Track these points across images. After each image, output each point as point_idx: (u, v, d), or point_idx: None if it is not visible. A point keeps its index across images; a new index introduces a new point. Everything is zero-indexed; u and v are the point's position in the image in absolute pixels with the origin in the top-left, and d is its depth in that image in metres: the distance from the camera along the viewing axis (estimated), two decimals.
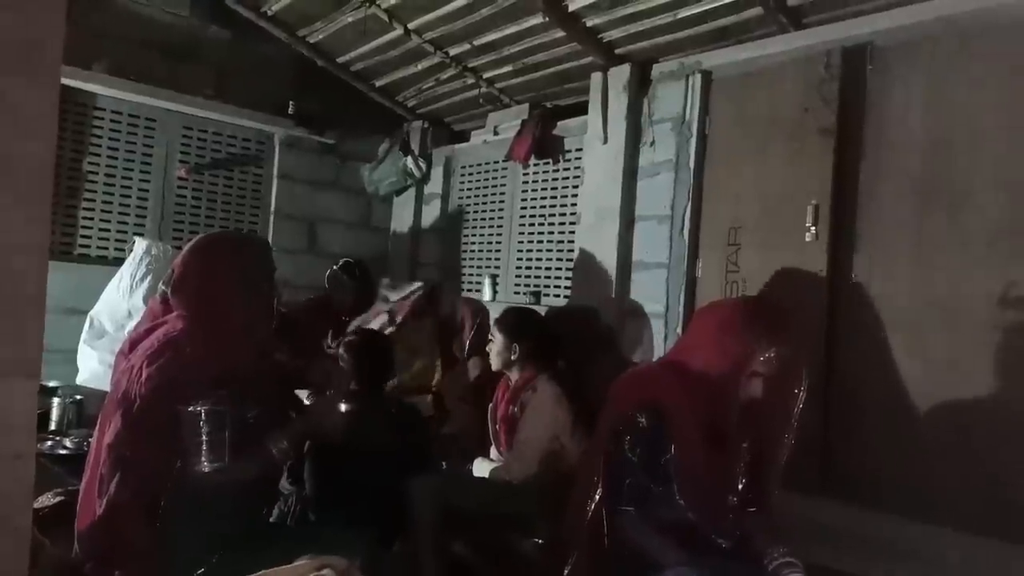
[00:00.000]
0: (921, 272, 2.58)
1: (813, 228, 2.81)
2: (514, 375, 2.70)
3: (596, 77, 3.71)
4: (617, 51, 3.62)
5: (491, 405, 2.80)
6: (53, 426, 3.32)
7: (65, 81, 3.88)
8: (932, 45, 2.64)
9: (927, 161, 2.61)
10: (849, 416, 2.72)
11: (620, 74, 3.61)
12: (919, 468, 2.49)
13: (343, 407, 1.93)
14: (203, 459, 1.71)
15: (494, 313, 3.49)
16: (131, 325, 3.65)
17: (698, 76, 3.34)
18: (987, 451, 2.35)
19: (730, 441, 1.84)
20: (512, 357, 2.66)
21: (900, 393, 2.59)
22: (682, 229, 3.34)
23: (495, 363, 2.74)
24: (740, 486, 1.85)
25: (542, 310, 3.94)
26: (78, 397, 3.44)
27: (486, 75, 4.28)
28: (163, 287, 1.92)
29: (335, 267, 3.76)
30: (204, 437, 1.71)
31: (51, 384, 3.52)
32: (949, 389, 2.48)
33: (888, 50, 2.77)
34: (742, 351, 1.81)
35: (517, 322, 2.73)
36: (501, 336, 2.69)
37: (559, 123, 4.16)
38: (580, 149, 3.98)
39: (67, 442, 3.04)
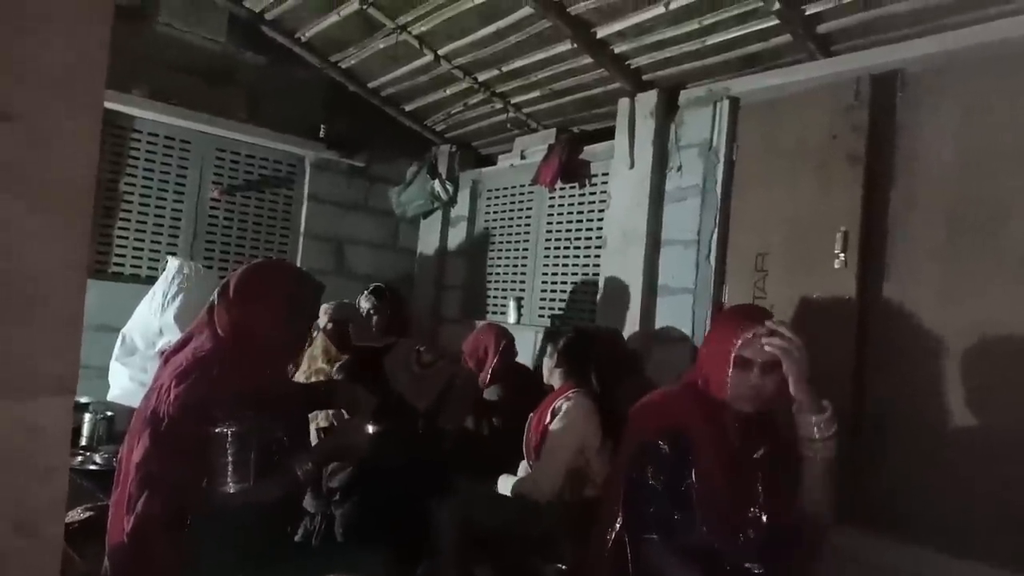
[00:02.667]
0: (953, 299, 2.54)
1: (842, 255, 2.78)
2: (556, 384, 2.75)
3: (623, 103, 3.74)
4: (644, 77, 3.64)
5: (531, 416, 2.80)
6: (84, 441, 3.37)
7: (106, 104, 3.98)
8: (962, 72, 2.62)
9: (958, 188, 2.58)
10: (879, 445, 2.67)
11: (647, 100, 3.63)
12: (950, 498, 2.43)
13: (369, 428, 1.94)
14: (229, 479, 1.73)
15: (518, 335, 3.50)
16: (162, 343, 3.73)
17: (726, 102, 3.34)
18: (1021, 482, 2.29)
19: (749, 456, 1.82)
20: (555, 371, 2.75)
21: (931, 422, 2.54)
22: (708, 254, 3.33)
23: (546, 378, 2.81)
24: (765, 503, 1.81)
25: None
26: (109, 413, 3.49)
27: (514, 100, 4.33)
28: (212, 300, 1.95)
29: (366, 291, 3.73)
30: (230, 458, 1.73)
31: (83, 400, 3.58)
32: (981, 418, 2.43)
33: (918, 77, 2.75)
34: (724, 341, 1.84)
35: (576, 341, 2.79)
36: (550, 354, 2.79)
37: (586, 148, 4.19)
38: (607, 174, 3.99)
39: (97, 458, 3.09)
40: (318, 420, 2.94)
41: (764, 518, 1.79)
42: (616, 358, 3.07)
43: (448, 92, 4.45)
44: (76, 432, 3.37)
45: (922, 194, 2.68)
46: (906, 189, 2.74)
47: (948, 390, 2.51)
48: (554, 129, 4.40)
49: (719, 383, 1.83)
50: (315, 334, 3.38)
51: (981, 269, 2.49)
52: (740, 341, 1.80)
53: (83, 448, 3.29)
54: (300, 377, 3.20)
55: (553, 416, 2.58)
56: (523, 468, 2.77)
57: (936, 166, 2.65)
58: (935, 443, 2.52)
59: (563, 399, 2.61)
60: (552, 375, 2.77)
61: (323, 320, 3.32)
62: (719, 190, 3.31)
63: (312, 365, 3.33)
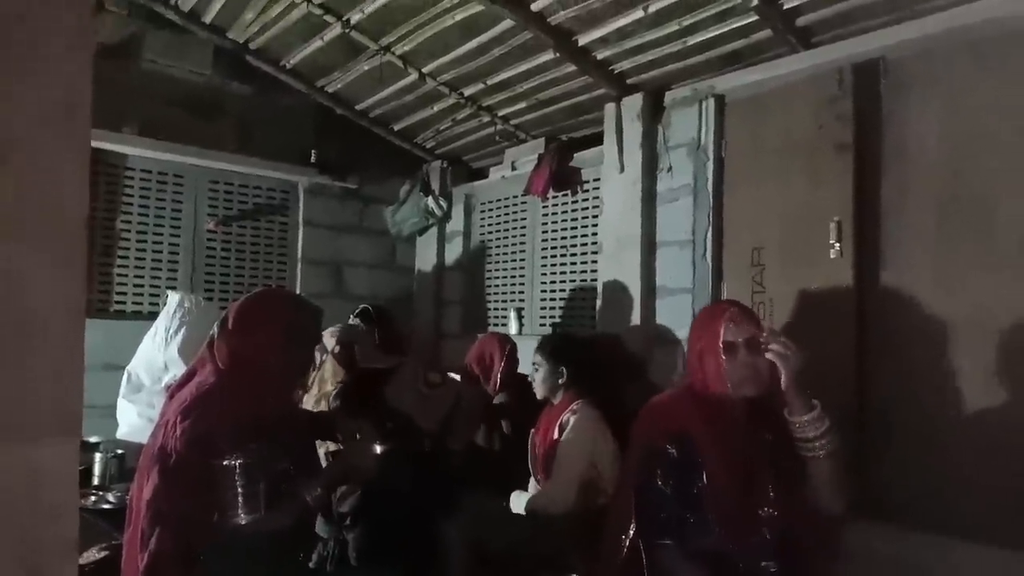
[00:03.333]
0: (949, 284, 2.55)
1: (837, 245, 2.79)
2: (556, 399, 2.72)
3: (610, 108, 3.76)
4: (629, 81, 3.66)
5: (532, 432, 2.79)
6: (96, 481, 3.36)
7: (97, 144, 4.02)
8: (945, 55, 2.64)
9: (948, 172, 2.59)
10: (882, 434, 2.66)
11: (633, 103, 3.65)
12: (953, 485, 2.43)
13: (376, 449, 1.95)
14: (239, 511, 1.73)
15: (520, 344, 3.51)
16: (168, 378, 3.73)
17: (711, 100, 3.36)
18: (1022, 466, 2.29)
19: (756, 449, 1.82)
20: (560, 382, 2.67)
21: (933, 409, 2.54)
22: (704, 253, 3.34)
23: (541, 390, 2.73)
24: (776, 500, 1.81)
25: None
26: (119, 451, 3.49)
27: (501, 112, 4.35)
28: (213, 332, 1.95)
29: (353, 315, 3.67)
30: (240, 490, 1.73)
31: (92, 439, 3.58)
32: (983, 404, 2.43)
33: (901, 63, 2.77)
34: (706, 335, 1.89)
35: (563, 346, 2.75)
36: (547, 362, 2.70)
37: (575, 155, 4.20)
38: (598, 179, 4.01)
39: (110, 496, 3.08)
40: (327, 444, 2.94)
41: (776, 514, 1.78)
42: (617, 364, 3.07)
43: (435, 109, 4.48)
44: (87, 472, 3.37)
45: (912, 180, 2.69)
46: (897, 176, 2.75)
47: (948, 376, 2.52)
48: (543, 138, 4.42)
49: (717, 377, 1.84)
50: (324, 357, 3.38)
51: (974, 253, 2.49)
52: (722, 328, 1.83)
53: (95, 488, 3.28)
54: (310, 400, 3.20)
55: (561, 431, 2.57)
56: (533, 484, 2.77)
57: (924, 151, 2.67)
58: (938, 430, 2.52)
59: (569, 413, 2.60)
60: (543, 387, 2.72)
61: (330, 343, 3.32)
62: (710, 188, 3.33)
63: (321, 388, 3.33)
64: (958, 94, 2.59)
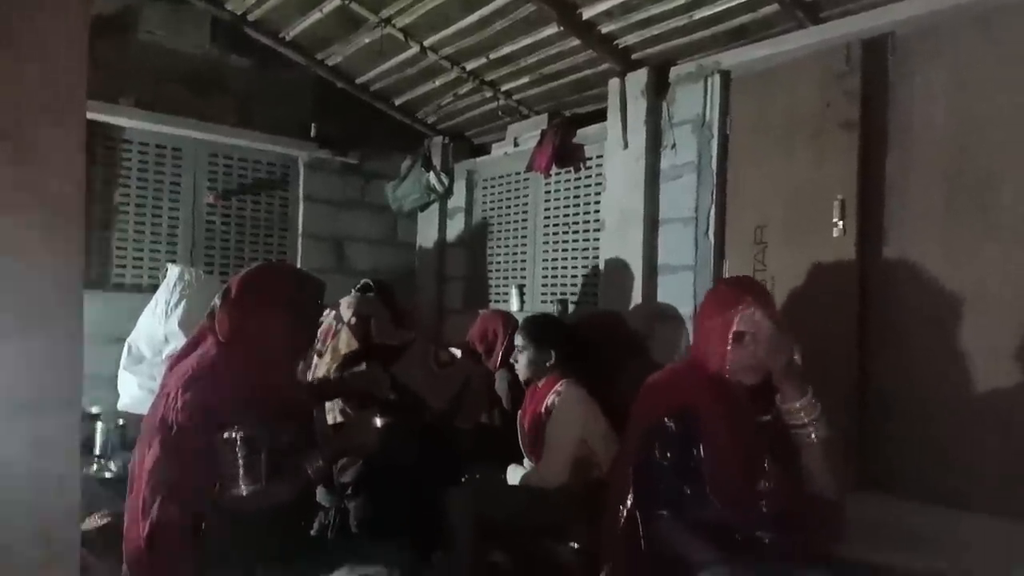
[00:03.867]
0: (952, 262, 2.54)
1: (840, 223, 2.78)
2: (541, 381, 2.70)
3: (614, 83, 3.72)
4: (634, 56, 3.62)
5: (519, 413, 2.80)
6: (98, 450, 3.39)
7: (93, 116, 3.99)
8: (953, 31, 2.60)
9: (954, 149, 2.57)
10: (884, 409, 2.67)
11: (638, 79, 3.61)
12: (955, 459, 2.44)
13: (378, 422, 1.95)
14: (240, 483, 1.74)
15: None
16: (168, 350, 3.74)
17: (717, 76, 3.32)
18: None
19: (755, 426, 1.82)
20: (548, 364, 2.66)
21: (935, 384, 2.54)
22: (707, 230, 3.32)
23: (526, 372, 2.71)
24: (773, 474, 1.82)
25: (569, 318, 3.94)
26: (120, 422, 3.52)
27: (504, 87, 4.31)
28: (214, 304, 1.95)
29: (354, 289, 3.65)
30: (240, 462, 1.74)
31: (94, 410, 3.60)
32: (985, 379, 2.43)
33: (909, 39, 2.73)
34: (719, 318, 1.86)
35: (548, 329, 2.73)
36: (533, 345, 2.68)
37: (579, 131, 4.17)
38: (601, 156, 3.98)
39: (112, 465, 3.12)
40: (335, 411, 2.95)
41: (773, 488, 1.79)
42: (617, 341, 3.07)
43: (437, 83, 4.43)
44: (89, 442, 3.40)
45: (918, 157, 2.67)
46: (901, 153, 2.73)
47: (951, 352, 2.51)
48: (546, 114, 4.38)
49: (719, 359, 1.84)
50: (339, 327, 3.39)
51: (980, 229, 2.48)
52: (736, 318, 1.81)
53: (97, 457, 3.31)
54: (322, 367, 3.21)
55: (548, 412, 2.57)
56: (527, 462, 2.78)
57: (930, 127, 2.64)
58: (940, 405, 2.52)
59: (553, 394, 2.59)
60: (528, 370, 2.68)
61: (347, 314, 3.32)
62: (714, 165, 3.30)
63: (334, 357, 3.34)
64: (965, 69, 2.56)
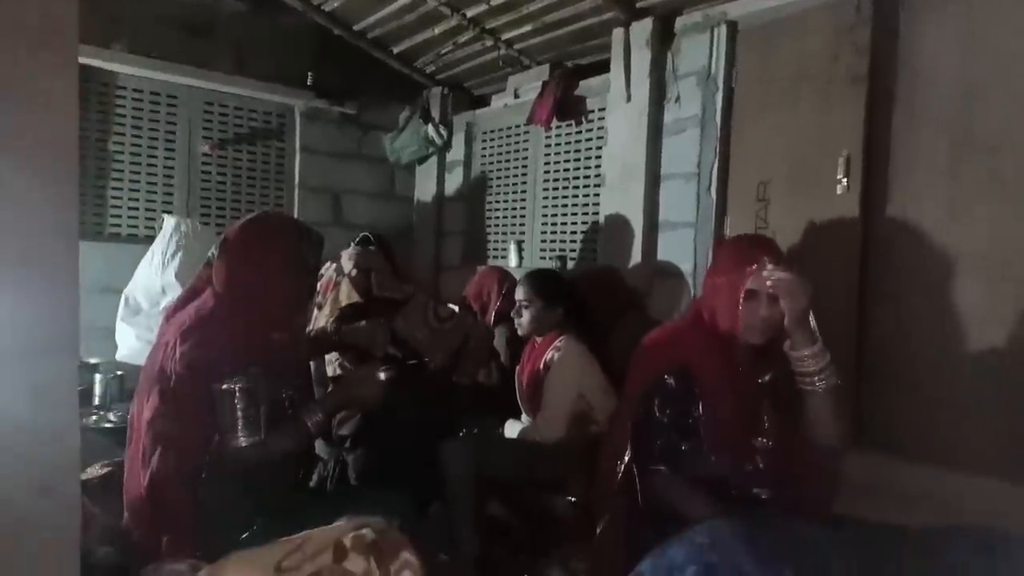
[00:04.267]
0: (957, 222, 2.51)
1: (844, 180, 2.74)
2: (540, 337, 2.70)
3: (618, 33, 3.63)
4: (639, 4, 3.53)
5: (518, 368, 2.80)
6: (97, 401, 3.42)
7: (86, 60, 3.90)
8: None
9: (964, 106, 2.52)
10: (883, 370, 2.68)
11: (642, 29, 3.53)
12: (954, 420, 2.46)
13: (379, 375, 1.94)
14: (239, 434, 1.74)
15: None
16: (165, 301, 3.73)
17: (723, 27, 3.25)
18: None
19: (755, 385, 1.82)
20: (552, 320, 2.64)
21: (935, 345, 2.54)
22: (709, 186, 3.29)
23: (530, 328, 2.68)
24: (771, 431, 1.83)
25: (568, 274, 3.92)
26: (119, 372, 3.53)
27: (505, 36, 4.22)
28: (211, 254, 1.93)
29: (353, 243, 3.61)
30: (239, 413, 1.74)
31: (92, 361, 3.61)
32: (986, 341, 2.43)
33: None
34: (732, 274, 1.83)
35: (553, 285, 2.71)
36: (539, 300, 2.65)
37: (581, 83, 4.09)
38: (603, 109, 3.92)
39: (111, 416, 3.14)
40: (335, 366, 2.96)
41: (771, 445, 1.81)
42: (616, 296, 3.06)
43: (437, 31, 4.33)
44: (88, 392, 3.42)
45: (926, 113, 2.62)
46: (909, 109, 2.68)
47: (954, 311, 2.51)
48: (547, 65, 4.30)
49: (730, 317, 1.82)
50: (339, 278, 3.39)
51: (985, 190, 2.45)
52: (750, 275, 1.79)
53: (96, 407, 3.33)
54: (321, 319, 3.21)
55: (547, 367, 2.57)
56: (525, 417, 2.80)
57: (940, 82, 2.59)
58: (939, 366, 2.53)
59: (552, 350, 2.59)
60: (533, 326, 2.65)
61: (348, 267, 3.31)
62: (719, 120, 3.25)
63: (334, 309, 3.34)
64: (977, 23, 2.49)
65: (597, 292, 3.06)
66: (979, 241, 2.45)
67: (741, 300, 1.80)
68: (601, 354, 2.64)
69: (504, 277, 3.44)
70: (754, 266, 1.79)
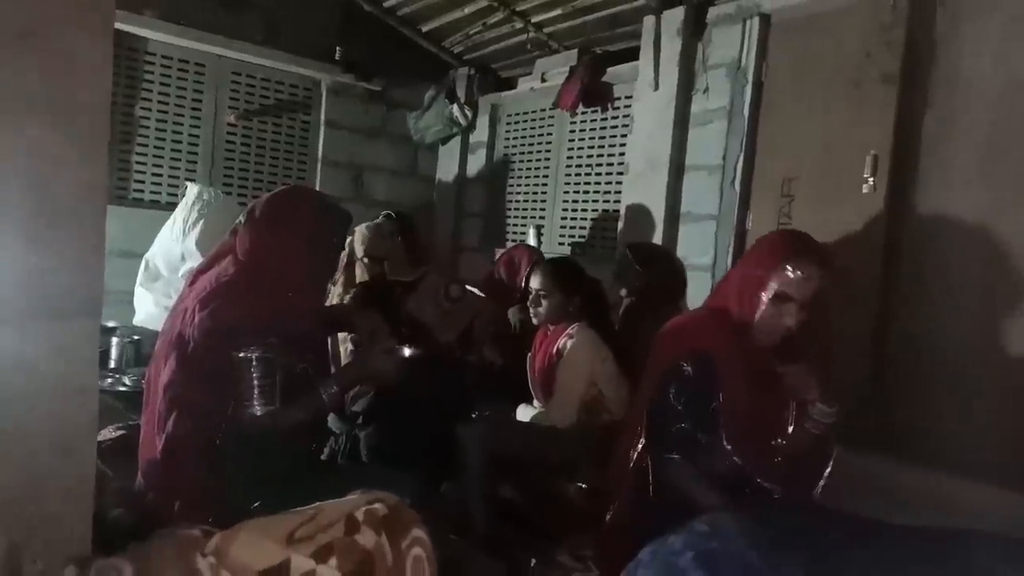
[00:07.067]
0: (988, 226, 2.47)
1: (871, 179, 2.71)
2: (556, 325, 2.68)
3: (648, 20, 3.60)
4: None
5: (529, 355, 2.80)
6: (113, 364, 3.46)
7: (117, 25, 3.91)
8: None
9: (998, 109, 2.48)
10: (907, 373, 2.65)
11: (674, 17, 3.49)
12: (978, 425, 2.43)
13: (400, 352, 1.95)
14: (255, 402, 1.75)
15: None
16: (184, 268, 3.77)
17: (756, 19, 3.20)
18: None
19: (775, 381, 1.81)
20: (571, 310, 2.61)
21: (961, 350, 2.51)
22: (733, 180, 3.26)
23: (547, 318, 2.64)
24: (790, 428, 1.82)
25: (587, 261, 3.91)
26: (136, 337, 3.57)
27: (534, 19, 4.19)
28: (238, 223, 1.93)
29: (376, 221, 3.60)
30: (256, 382, 1.74)
31: (110, 324, 3.65)
32: (1012, 346, 2.40)
33: None
34: (763, 271, 1.77)
35: (573, 275, 2.68)
36: (558, 292, 2.61)
37: (609, 69, 4.06)
38: (630, 96, 3.88)
39: (126, 379, 3.18)
40: (348, 342, 2.99)
41: (788, 443, 1.79)
42: (671, 280, 2.98)
43: (466, 11, 4.31)
44: (105, 355, 3.46)
45: (959, 115, 2.58)
46: (942, 110, 2.64)
47: (976, 319, 2.48)
48: (576, 50, 4.26)
49: (749, 307, 1.79)
50: (355, 257, 3.41)
51: (1016, 193, 2.41)
52: (786, 275, 1.73)
53: (112, 370, 3.37)
54: (334, 296, 3.23)
55: (559, 354, 2.56)
56: (536, 403, 2.80)
57: (975, 83, 2.54)
58: (965, 371, 2.49)
59: (565, 337, 2.58)
60: (551, 316, 2.61)
61: (360, 250, 3.33)
62: (746, 113, 3.22)
63: (347, 288, 3.37)
64: (1016, 24, 2.44)
65: (661, 271, 2.97)
66: (1010, 246, 2.41)
67: (767, 297, 1.75)
68: (615, 343, 2.63)
69: (535, 252, 3.46)
70: (792, 267, 1.72)
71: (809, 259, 1.74)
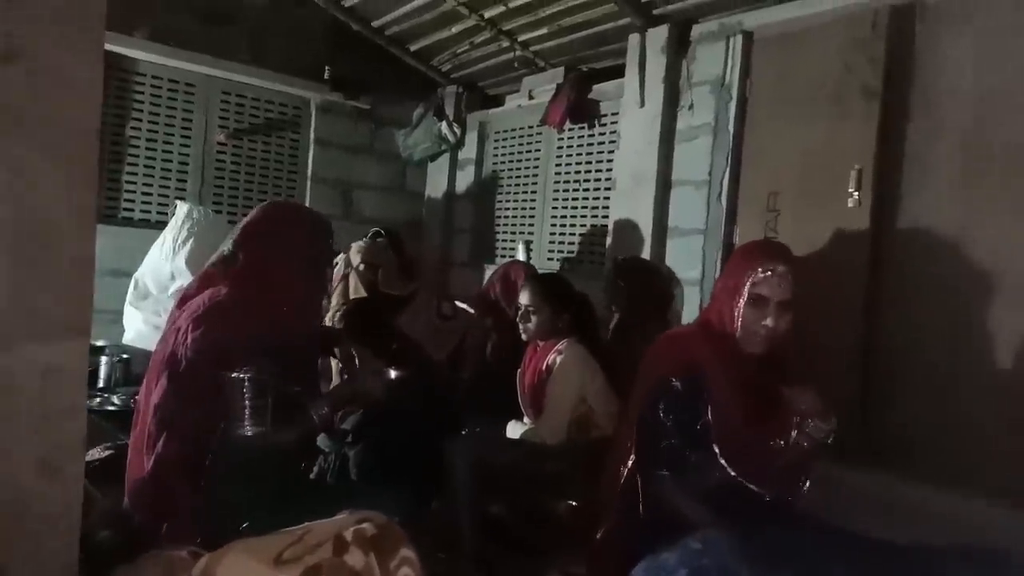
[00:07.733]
0: (969, 238, 2.51)
1: (856, 193, 2.74)
2: (545, 341, 2.69)
3: (634, 39, 3.64)
4: (655, 11, 3.54)
5: (519, 371, 2.80)
6: (101, 383, 3.43)
7: (108, 46, 3.92)
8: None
9: (979, 122, 2.52)
10: (890, 385, 2.68)
11: (658, 35, 3.54)
12: (961, 437, 2.45)
13: (389, 373, 1.96)
14: (246, 423, 1.74)
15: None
16: (174, 287, 3.76)
17: (739, 37, 3.25)
18: None
19: (764, 387, 1.82)
20: (560, 326, 2.62)
21: (944, 362, 2.53)
22: (720, 194, 3.29)
23: (537, 334, 2.64)
24: (781, 433, 1.82)
25: (576, 277, 3.93)
26: (125, 356, 3.55)
27: (521, 38, 4.23)
28: (224, 249, 1.93)
29: (366, 237, 3.62)
30: (247, 403, 1.74)
31: (98, 343, 3.63)
32: (995, 358, 2.42)
33: (939, 6, 2.66)
34: (739, 275, 1.82)
35: (562, 291, 2.68)
36: (547, 307, 2.62)
37: (595, 86, 4.10)
38: (616, 113, 3.92)
39: (115, 399, 3.15)
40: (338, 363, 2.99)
41: (783, 446, 1.79)
42: (656, 293, 3.00)
43: (454, 30, 4.34)
44: (94, 375, 3.43)
45: (941, 128, 2.62)
46: (923, 124, 2.68)
47: (961, 329, 2.50)
48: (562, 68, 4.30)
49: (730, 317, 1.82)
50: (347, 271, 3.42)
51: (999, 204, 2.44)
52: (758, 277, 1.78)
53: (101, 390, 3.35)
54: (328, 312, 3.24)
55: (549, 370, 2.56)
56: (527, 420, 2.79)
57: (955, 97, 2.59)
58: (948, 383, 2.52)
59: (555, 353, 2.58)
60: (539, 332, 2.62)
61: (356, 259, 3.34)
62: (731, 128, 3.25)
63: (340, 303, 3.38)
64: (994, 38, 2.49)
65: (644, 284, 2.98)
66: (993, 255, 2.44)
67: (743, 302, 1.79)
68: (604, 359, 2.64)
69: (530, 269, 3.47)
70: (763, 270, 1.78)
71: (775, 259, 1.81)
